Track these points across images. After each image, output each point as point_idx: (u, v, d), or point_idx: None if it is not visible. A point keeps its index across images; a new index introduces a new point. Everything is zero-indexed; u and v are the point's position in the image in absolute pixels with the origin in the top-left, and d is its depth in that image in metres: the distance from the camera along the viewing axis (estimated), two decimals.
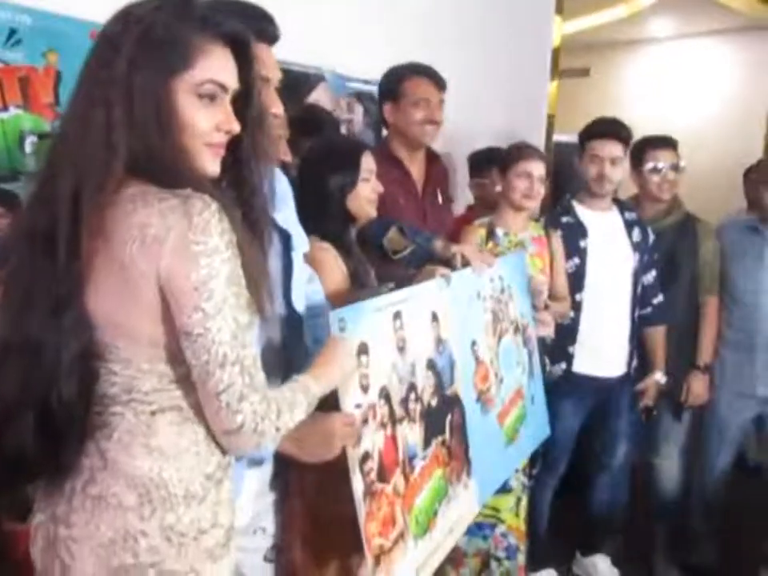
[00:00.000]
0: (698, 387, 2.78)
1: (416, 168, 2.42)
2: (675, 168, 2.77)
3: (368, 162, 1.84)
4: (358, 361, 1.41)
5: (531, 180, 2.36)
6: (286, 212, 1.46)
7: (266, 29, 1.28)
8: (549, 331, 2.37)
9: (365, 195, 1.83)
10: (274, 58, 1.31)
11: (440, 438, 1.69)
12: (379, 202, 1.93)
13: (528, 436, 2.22)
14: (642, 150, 2.79)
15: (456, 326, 1.85)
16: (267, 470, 1.49)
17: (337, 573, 1.64)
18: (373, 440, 1.43)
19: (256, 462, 1.42)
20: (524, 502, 2.47)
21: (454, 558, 2.41)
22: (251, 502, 1.46)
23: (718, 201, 4.04)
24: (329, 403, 1.36)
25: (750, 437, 3.00)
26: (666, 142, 2.81)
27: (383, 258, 1.97)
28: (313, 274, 1.60)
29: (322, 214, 1.80)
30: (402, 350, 1.56)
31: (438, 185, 2.50)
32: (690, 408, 2.83)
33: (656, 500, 2.98)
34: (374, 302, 1.49)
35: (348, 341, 1.35)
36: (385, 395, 1.48)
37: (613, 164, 2.55)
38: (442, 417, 1.72)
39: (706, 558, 2.94)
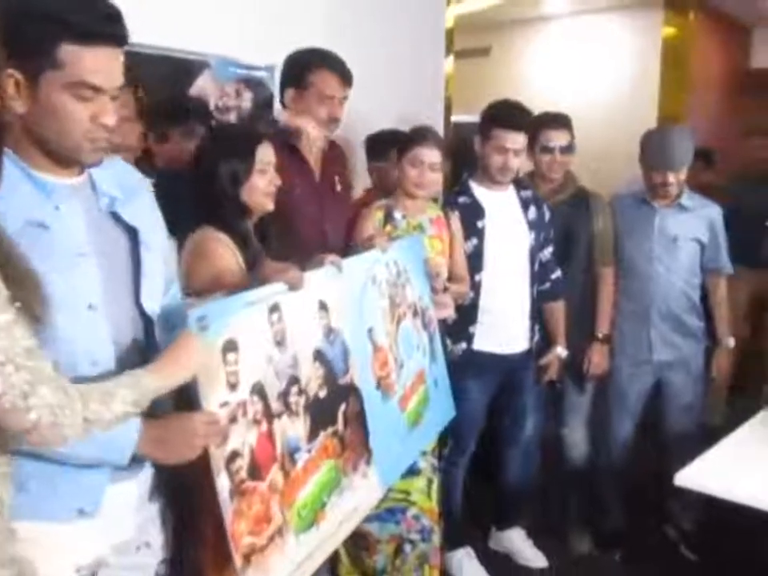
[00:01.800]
0: (598, 358, 2.85)
1: (313, 155, 2.36)
2: (566, 149, 2.81)
3: (265, 154, 1.79)
4: (224, 359, 1.36)
5: (422, 168, 2.34)
6: (136, 206, 1.38)
7: (103, 29, 1.18)
8: (449, 313, 2.38)
9: (260, 187, 1.78)
10: (115, 64, 1.22)
11: (330, 429, 1.67)
12: (276, 191, 1.88)
13: (432, 418, 2.22)
14: (536, 129, 2.81)
15: (350, 314, 1.83)
16: (145, 480, 1.42)
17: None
18: (243, 438, 1.40)
19: (126, 475, 1.34)
20: (435, 483, 2.47)
21: (368, 545, 2.41)
22: (130, 517, 1.38)
23: (614, 175, 4.15)
24: (192, 403, 1.32)
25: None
26: (560, 122, 2.84)
27: (284, 250, 1.92)
28: (174, 276, 1.53)
29: (215, 204, 1.75)
30: (280, 343, 1.51)
31: (335, 172, 2.44)
32: (592, 379, 2.90)
33: (565, 470, 3.06)
34: (243, 296, 1.44)
35: (200, 337, 1.29)
36: (258, 391, 1.44)
37: (516, 155, 2.56)
38: (333, 407, 1.70)
39: (615, 522, 3.05)
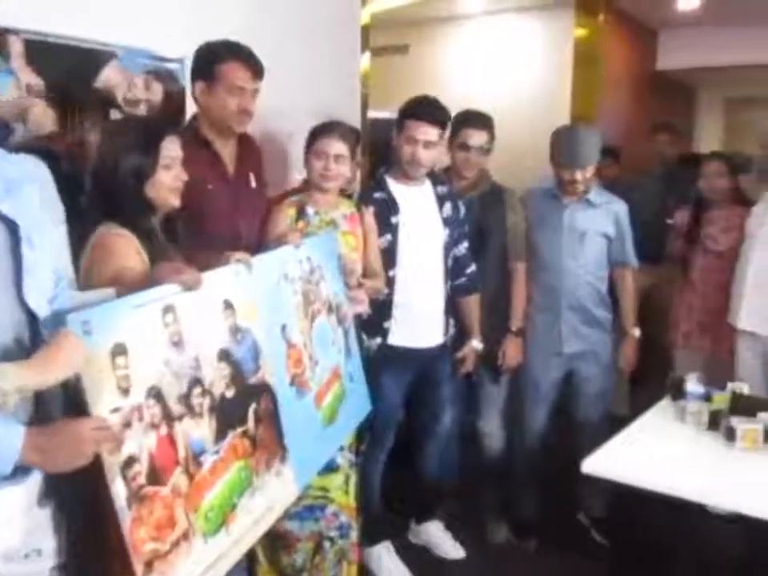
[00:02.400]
0: (512, 350, 2.92)
1: (227, 151, 2.32)
2: (482, 150, 2.85)
3: (171, 148, 1.74)
4: (113, 363, 1.32)
5: (327, 159, 2.33)
6: (18, 199, 1.32)
7: None
8: (363, 308, 2.39)
9: (165, 183, 1.74)
10: None
11: (240, 429, 1.65)
12: (186, 187, 1.83)
13: (349, 414, 2.23)
14: (458, 125, 2.86)
15: (262, 311, 1.81)
16: (34, 484, 1.36)
17: None
18: (140, 443, 1.36)
19: (11, 480, 1.29)
20: (353, 479, 2.48)
21: (287, 544, 2.39)
22: (17, 522, 1.33)
23: (529, 172, 4.24)
24: (80, 408, 1.28)
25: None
26: (481, 122, 2.87)
27: (195, 246, 1.88)
28: (63, 275, 1.47)
29: (118, 200, 1.69)
30: (177, 344, 1.48)
31: (250, 168, 2.41)
32: (506, 371, 2.97)
33: (482, 461, 3.11)
34: (131, 298, 1.40)
35: (84, 341, 1.26)
36: (155, 394, 1.41)
37: (426, 147, 2.56)
38: (243, 407, 1.67)
39: (530, 511, 3.12)
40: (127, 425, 1.34)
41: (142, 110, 2.59)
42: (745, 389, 2.52)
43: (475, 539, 3.05)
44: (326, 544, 2.42)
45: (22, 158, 1.42)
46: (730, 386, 2.52)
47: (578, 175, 2.80)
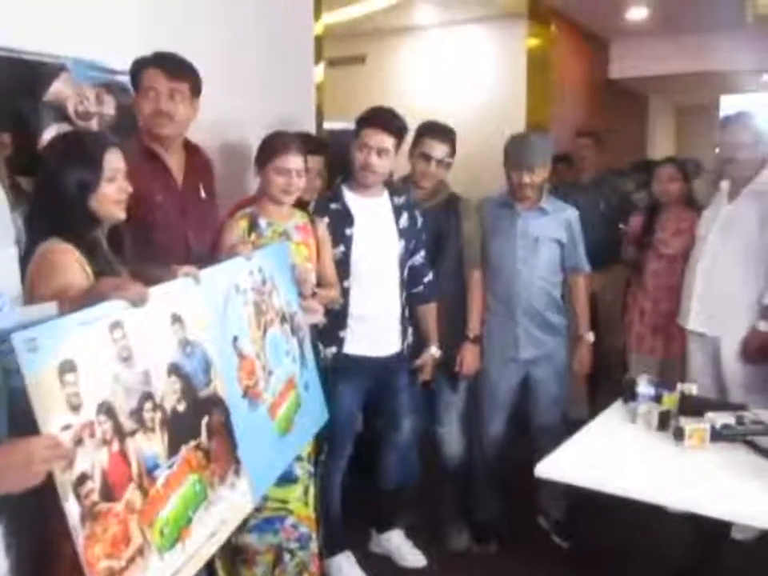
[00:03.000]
0: (469, 357, 2.94)
1: (175, 161, 2.31)
2: (441, 163, 2.87)
3: (113, 161, 1.74)
4: (61, 380, 1.30)
5: (290, 175, 2.34)
6: None
7: None
8: (318, 318, 2.39)
9: (110, 196, 1.73)
10: None
11: (192, 443, 1.64)
12: (133, 198, 1.83)
13: (305, 423, 2.23)
14: (420, 135, 2.88)
15: (213, 324, 1.80)
16: None
17: None
18: (93, 459, 1.35)
19: None
20: (312, 490, 2.48)
21: (246, 558, 2.38)
22: None
23: (486, 181, 4.29)
24: (29, 429, 1.26)
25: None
26: (443, 134, 2.88)
27: (143, 258, 1.87)
28: (4, 292, 1.46)
29: (62, 214, 1.69)
30: (127, 359, 1.47)
31: (199, 179, 2.40)
32: (464, 378, 2.99)
33: (442, 467, 3.12)
34: (76, 316, 1.38)
35: (29, 358, 1.25)
36: (106, 410, 1.39)
37: (379, 154, 2.58)
38: (195, 420, 1.67)
39: (490, 514, 3.14)
40: (79, 442, 1.32)
41: (93, 124, 2.57)
42: (693, 389, 2.59)
43: (436, 546, 3.06)
44: (286, 556, 2.41)
45: None
46: (679, 387, 2.58)
47: (526, 178, 2.85)
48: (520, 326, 2.95)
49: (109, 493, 1.38)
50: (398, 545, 3.00)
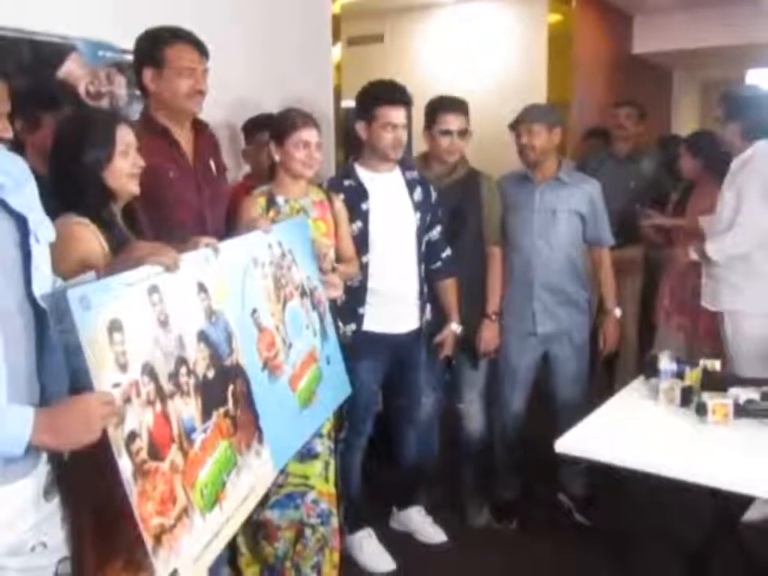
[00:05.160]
0: (488, 334, 2.93)
1: (184, 138, 2.30)
2: (463, 133, 2.85)
3: (125, 135, 1.77)
4: (111, 338, 1.33)
5: (309, 148, 2.35)
6: (23, 195, 1.33)
7: None
8: (338, 293, 2.39)
9: (123, 170, 1.76)
10: None
11: (221, 410, 1.66)
12: (147, 176, 1.84)
13: (327, 396, 2.23)
14: (434, 111, 2.86)
15: (232, 296, 1.81)
16: (42, 476, 1.38)
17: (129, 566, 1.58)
18: (139, 418, 1.38)
19: (21, 472, 1.31)
20: (333, 466, 2.49)
21: (268, 533, 2.40)
22: (25, 516, 1.34)
23: (505, 158, 4.26)
24: (81, 385, 1.29)
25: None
26: (458, 107, 2.88)
27: (159, 233, 1.88)
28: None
29: (78, 190, 1.72)
30: (164, 324, 1.50)
31: (209, 155, 2.40)
32: (484, 355, 2.97)
33: (463, 444, 3.12)
34: (121, 276, 1.41)
35: (83, 316, 1.27)
36: (149, 371, 1.42)
37: (403, 129, 2.60)
38: (222, 388, 1.68)
39: (510, 492, 3.14)
40: (127, 400, 1.35)
41: (104, 103, 2.57)
42: (717, 365, 2.55)
43: (456, 523, 3.07)
44: (308, 532, 2.43)
45: (17, 156, 1.42)
46: (701, 362, 2.54)
47: (524, 138, 2.86)
48: (537, 301, 2.93)
49: (155, 452, 1.40)
50: (419, 521, 3.01)
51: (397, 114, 2.57)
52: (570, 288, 2.95)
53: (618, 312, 3.06)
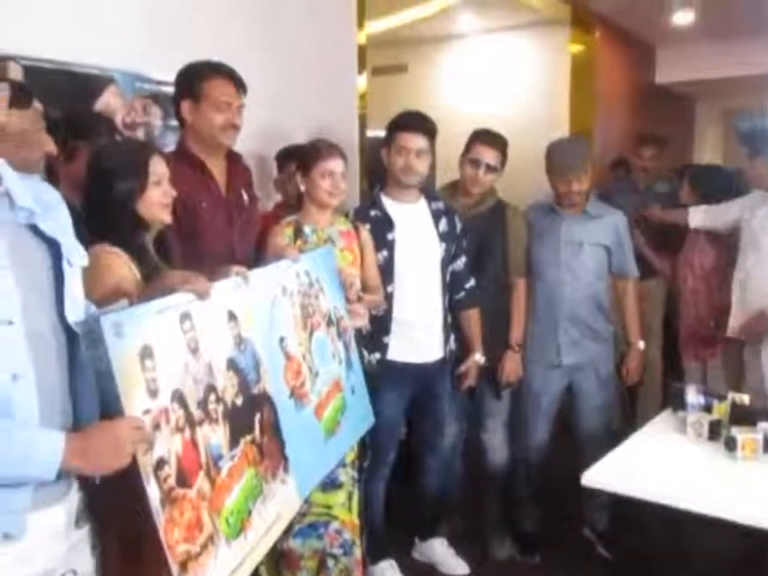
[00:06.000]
0: (511, 366, 2.92)
1: (217, 169, 2.35)
2: (492, 168, 2.85)
3: (158, 166, 1.80)
4: (142, 365, 1.35)
5: (334, 178, 2.38)
6: (55, 221, 1.36)
7: None
8: (363, 322, 2.40)
9: (156, 200, 1.79)
10: None
11: (249, 437, 1.67)
12: (179, 205, 1.87)
13: (351, 426, 2.23)
14: (471, 141, 2.89)
15: (260, 324, 1.83)
16: (73, 504, 1.38)
17: None
18: (168, 445, 1.39)
19: (52, 499, 1.31)
20: (356, 496, 2.48)
21: (290, 563, 2.39)
22: (56, 543, 1.34)
23: (531, 187, 4.27)
24: (112, 410, 1.30)
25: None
26: (494, 141, 2.88)
27: (190, 262, 1.91)
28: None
29: (111, 219, 1.75)
30: (194, 351, 1.51)
31: (241, 185, 2.44)
32: (507, 386, 2.96)
33: (486, 474, 3.10)
34: (154, 304, 1.44)
35: (116, 342, 1.29)
36: (178, 398, 1.44)
37: (418, 156, 2.61)
38: (250, 416, 1.70)
39: (533, 524, 3.11)
40: (156, 426, 1.36)
41: (140, 134, 2.63)
42: (745, 399, 2.52)
43: (479, 555, 3.04)
44: (330, 562, 2.42)
45: (47, 184, 1.46)
46: (730, 396, 2.52)
47: (575, 186, 2.83)
48: (562, 332, 2.92)
49: (183, 479, 1.41)
50: (441, 553, 2.99)
51: (410, 139, 2.60)
52: (594, 320, 2.95)
53: (641, 344, 3.04)
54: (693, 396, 2.52)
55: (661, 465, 2.24)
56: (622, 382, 3.12)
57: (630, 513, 2.63)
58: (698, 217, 3.35)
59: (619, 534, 3.08)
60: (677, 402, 2.59)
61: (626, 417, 3.99)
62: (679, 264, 3.56)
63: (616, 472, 2.18)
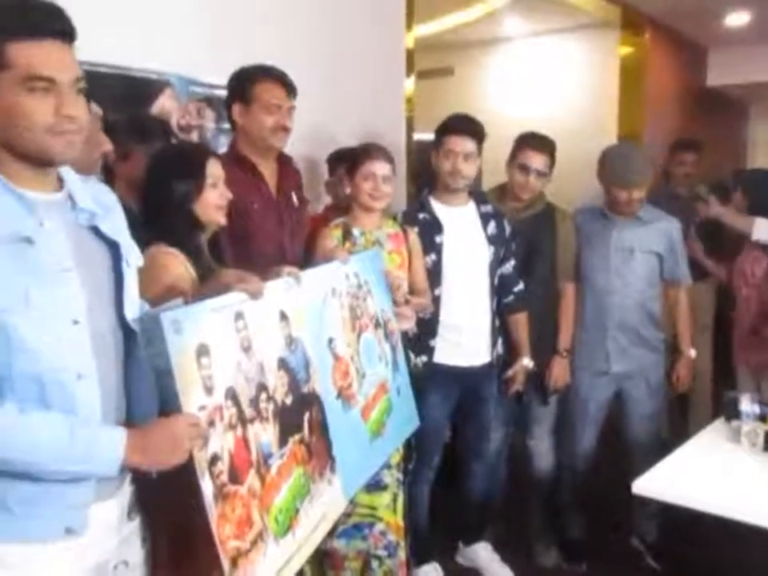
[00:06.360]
0: (558, 371, 2.89)
1: (268, 171, 2.38)
2: (541, 173, 2.83)
3: (214, 168, 1.83)
4: (198, 362, 1.37)
5: (376, 180, 2.38)
6: (113, 222, 1.40)
7: (30, 23, 1.19)
8: (410, 325, 2.40)
9: (212, 202, 1.82)
10: (66, 57, 1.24)
11: (297, 437, 1.68)
12: (231, 207, 1.90)
13: (396, 428, 2.23)
14: (519, 145, 2.86)
15: (310, 324, 1.84)
16: (126, 497, 1.42)
17: None
18: (221, 442, 1.41)
19: (109, 492, 1.35)
20: (401, 498, 2.48)
21: (334, 563, 2.40)
22: (111, 535, 1.37)
23: (578, 190, 4.23)
24: (169, 407, 1.33)
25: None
26: (543, 146, 2.85)
27: (242, 264, 1.93)
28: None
29: (169, 220, 1.78)
30: (247, 350, 1.53)
31: (292, 188, 2.47)
32: (554, 392, 2.93)
33: (531, 480, 3.07)
34: (210, 302, 1.46)
35: (175, 339, 1.31)
36: (232, 396, 1.45)
37: (466, 159, 2.59)
38: (299, 415, 1.71)
39: (580, 533, 3.06)
40: (211, 423, 1.38)
41: (194, 136, 2.68)
42: None
43: (524, 561, 3.01)
44: (374, 563, 2.42)
45: (104, 185, 1.50)
46: None
47: (635, 194, 2.78)
48: (611, 339, 2.88)
49: (235, 475, 1.43)
50: (486, 558, 2.96)
51: (457, 142, 2.58)
52: (644, 328, 2.90)
53: (692, 353, 2.98)
54: (747, 405, 2.46)
55: (714, 474, 2.19)
56: (672, 390, 3.06)
57: (680, 523, 2.57)
58: (764, 231, 3.13)
59: (669, 544, 3.02)
60: (730, 411, 2.53)
61: (676, 425, 3.92)
62: (734, 271, 3.48)
63: (668, 481, 2.13)
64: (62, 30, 1.22)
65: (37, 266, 1.20)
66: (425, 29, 4.92)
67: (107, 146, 1.63)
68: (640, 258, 2.86)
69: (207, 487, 1.35)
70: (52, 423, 1.20)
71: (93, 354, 1.28)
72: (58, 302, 1.23)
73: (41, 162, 1.26)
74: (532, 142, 2.85)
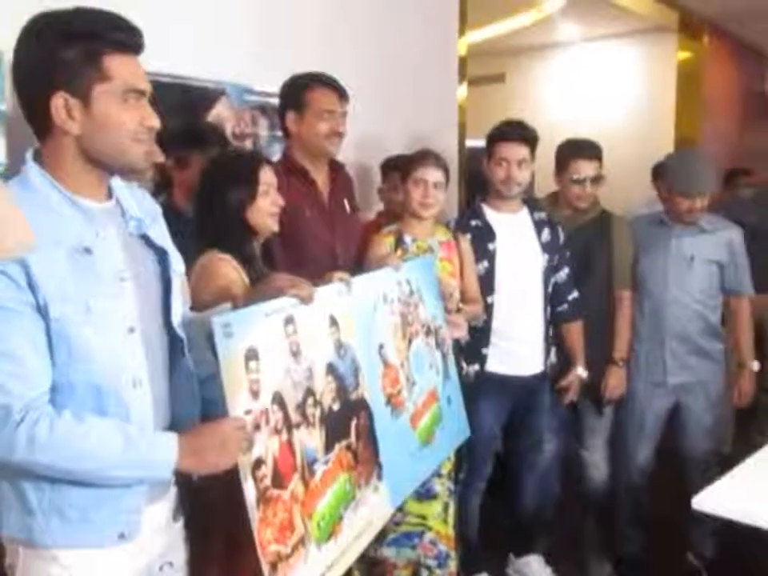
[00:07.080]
0: (614, 381, 2.82)
1: (321, 178, 2.39)
2: (595, 179, 2.79)
3: (267, 176, 1.85)
4: (246, 366, 1.38)
5: (426, 187, 2.36)
6: (158, 230, 1.43)
7: (121, 39, 1.24)
8: (462, 333, 2.37)
9: (265, 209, 1.83)
10: (139, 69, 1.28)
11: (344, 443, 1.67)
12: (284, 214, 1.91)
13: (445, 437, 2.20)
14: (566, 157, 2.81)
15: (360, 330, 1.83)
16: (172, 498, 1.44)
17: None
18: (266, 446, 1.41)
19: (158, 496, 1.37)
20: (452, 508, 2.45)
21: (384, 571, 2.38)
22: (158, 537, 1.40)
23: (630, 196, 4.16)
24: (216, 410, 1.34)
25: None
26: (591, 152, 2.80)
27: (289, 271, 1.94)
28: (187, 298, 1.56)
29: (222, 227, 1.80)
30: (296, 354, 1.53)
31: (344, 194, 2.48)
32: (609, 402, 2.86)
33: (585, 492, 3.01)
34: (261, 306, 1.46)
35: (225, 343, 1.32)
36: (278, 400, 1.46)
37: (519, 166, 2.56)
38: (346, 421, 1.70)
39: (635, 548, 2.98)
40: (256, 427, 1.38)
41: (248, 144, 2.71)
42: None
43: (577, 575, 2.94)
44: (424, 573, 2.39)
45: (147, 194, 1.53)
46: None
47: (698, 203, 2.71)
48: (669, 350, 2.80)
49: (278, 480, 1.43)
50: (538, 570, 2.90)
51: (508, 149, 2.55)
52: (703, 339, 2.81)
53: (755, 365, 2.88)
54: None
55: None
56: (734, 404, 2.96)
57: (740, 541, 2.48)
58: None
59: (728, 562, 2.92)
60: None
61: (740, 439, 3.79)
62: None
63: (731, 496, 2.05)
64: (141, 44, 1.28)
65: (96, 276, 1.23)
66: (476, 35, 4.92)
67: (159, 157, 1.67)
68: (699, 266, 2.78)
69: (250, 491, 1.35)
70: (110, 430, 1.22)
71: (145, 361, 1.31)
72: (115, 311, 1.25)
73: (121, 169, 1.30)
74: (581, 152, 2.80)
